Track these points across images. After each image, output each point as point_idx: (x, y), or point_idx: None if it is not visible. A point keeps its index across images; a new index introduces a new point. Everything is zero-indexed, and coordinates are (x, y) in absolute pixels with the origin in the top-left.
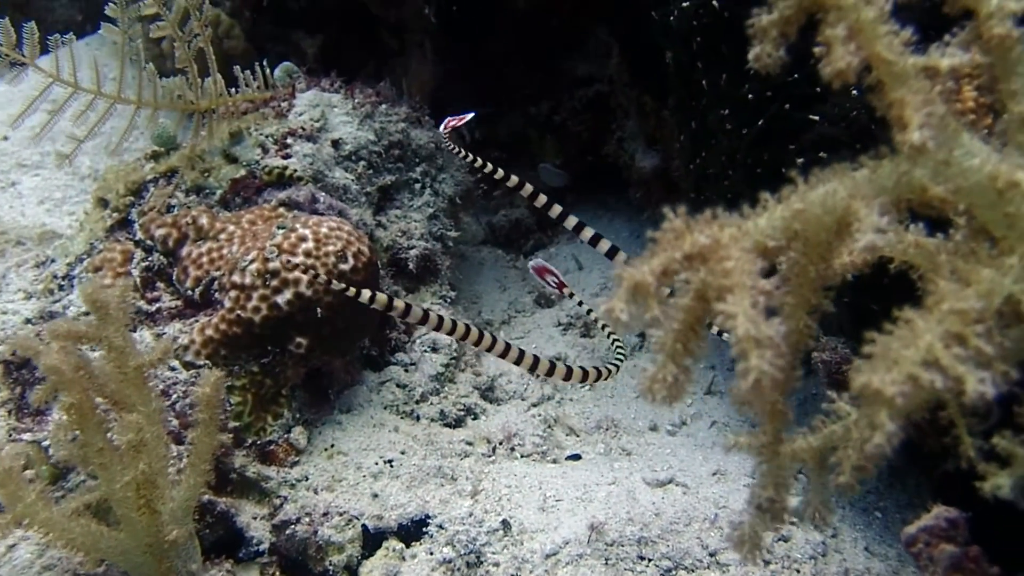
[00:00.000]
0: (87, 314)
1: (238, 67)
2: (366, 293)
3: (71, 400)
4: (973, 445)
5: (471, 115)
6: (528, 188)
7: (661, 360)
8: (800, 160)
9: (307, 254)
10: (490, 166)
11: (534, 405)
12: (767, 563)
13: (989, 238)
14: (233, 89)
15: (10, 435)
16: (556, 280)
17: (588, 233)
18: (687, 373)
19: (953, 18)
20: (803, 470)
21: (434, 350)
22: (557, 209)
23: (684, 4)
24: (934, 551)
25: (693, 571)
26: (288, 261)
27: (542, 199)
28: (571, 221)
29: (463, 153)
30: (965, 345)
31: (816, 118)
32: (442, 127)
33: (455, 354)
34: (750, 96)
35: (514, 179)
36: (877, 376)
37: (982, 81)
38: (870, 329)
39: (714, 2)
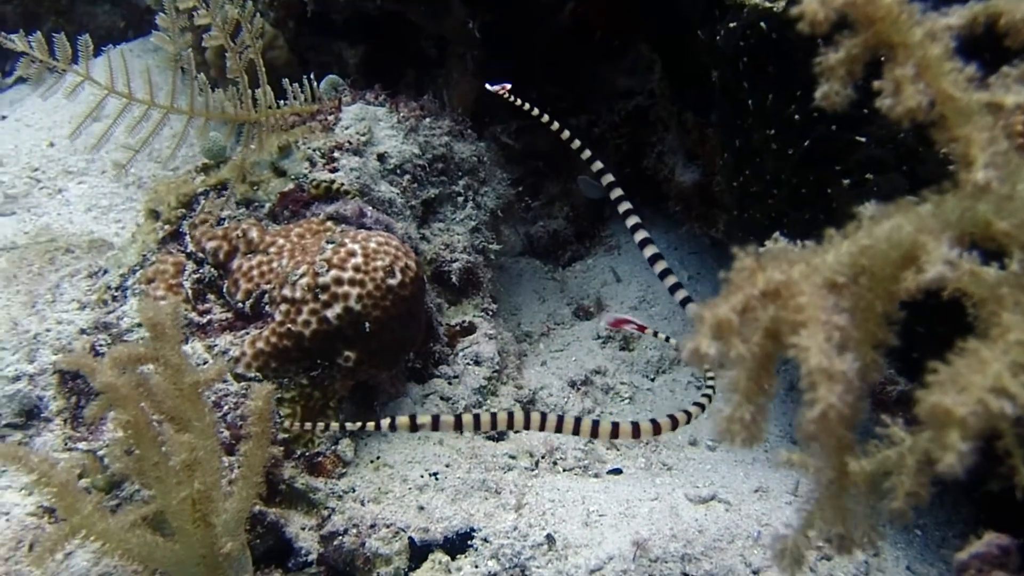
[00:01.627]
0: (140, 326)
1: (287, 80)
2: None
3: (127, 417)
4: None
5: (508, 85)
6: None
7: (737, 400)
8: (846, 182)
9: (356, 269)
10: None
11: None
12: None
13: None
14: (281, 101)
15: (65, 444)
16: (635, 324)
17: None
18: (763, 412)
19: (1014, 51)
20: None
21: (477, 363)
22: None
23: (731, 24)
24: None
25: None
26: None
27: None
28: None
29: (521, 102)
30: None
31: (863, 139)
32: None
33: (497, 367)
34: (796, 117)
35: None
36: (948, 398)
37: None
38: (925, 354)
39: (762, 24)
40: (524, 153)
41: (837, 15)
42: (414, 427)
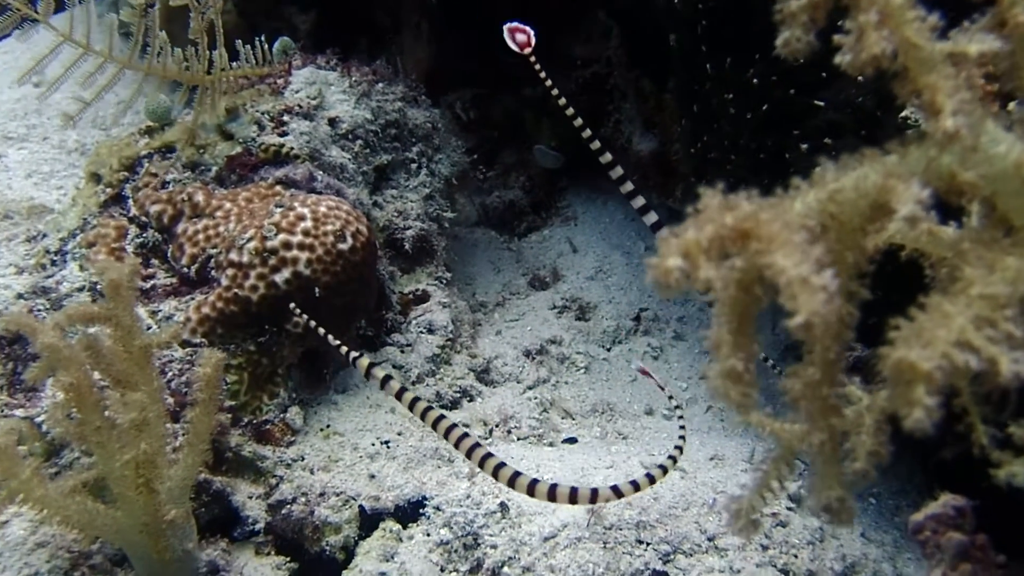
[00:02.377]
0: (82, 290)
1: (240, 41)
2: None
3: (69, 379)
4: (986, 433)
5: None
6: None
7: (724, 351)
8: (804, 146)
9: (306, 233)
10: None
11: (530, 388)
12: (765, 548)
13: (1007, 227)
14: (234, 64)
15: (2, 411)
16: (656, 381)
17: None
18: (752, 366)
19: (975, 4)
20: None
21: (430, 331)
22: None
23: None
24: (941, 539)
25: (691, 555)
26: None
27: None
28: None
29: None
30: (995, 328)
31: (821, 104)
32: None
33: (451, 336)
34: (755, 81)
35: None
36: (913, 352)
37: (991, 68)
38: (881, 319)
39: None
40: (479, 122)
41: None
42: (368, 373)
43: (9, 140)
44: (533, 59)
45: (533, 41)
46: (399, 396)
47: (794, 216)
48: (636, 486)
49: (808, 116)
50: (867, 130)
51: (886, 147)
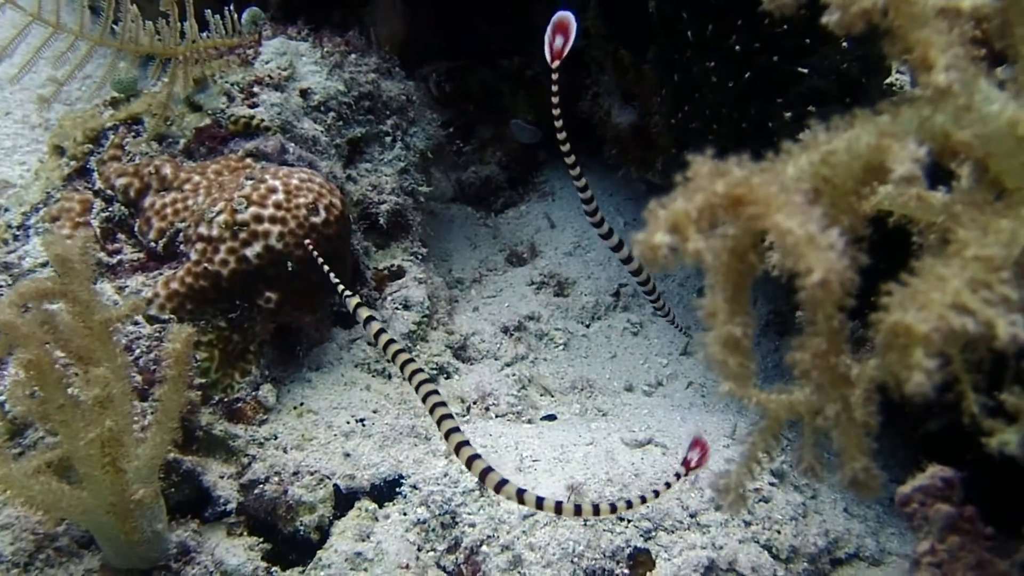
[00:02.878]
0: (45, 265)
1: (209, 11)
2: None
3: (29, 356)
4: (977, 401)
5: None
6: None
7: (720, 319)
8: (788, 114)
9: (277, 206)
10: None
11: (508, 364)
12: (748, 524)
13: (999, 190)
14: (204, 34)
15: None
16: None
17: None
18: (748, 336)
19: None
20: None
21: (406, 308)
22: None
23: None
24: (929, 511)
25: (673, 532)
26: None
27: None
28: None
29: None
30: (991, 291)
31: (805, 71)
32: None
33: (427, 312)
34: (737, 48)
35: None
36: (909, 315)
37: (984, 26)
38: (870, 289)
39: None
40: (455, 96)
41: None
42: (355, 313)
43: None
44: (556, 76)
45: (566, 52)
46: (385, 347)
47: (788, 179)
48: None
49: (792, 83)
50: (852, 97)
51: (877, 108)
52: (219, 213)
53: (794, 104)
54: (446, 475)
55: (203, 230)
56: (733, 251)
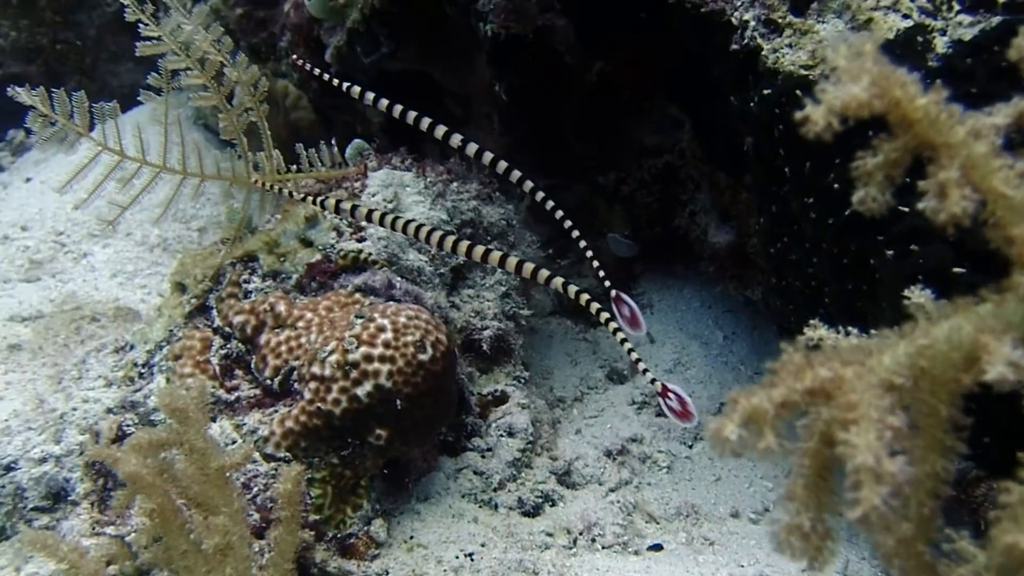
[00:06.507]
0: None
1: (312, 149)
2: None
3: (152, 505)
4: None
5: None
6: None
7: (794, 508)
8: (889, 252)
9: (386, 345)
10: None
11: (612, 490)
12: None
13: None
14: (303, 166)
15: (93, 528)
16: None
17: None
18: (823, 524)
19: None
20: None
21: (510, 435)
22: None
23: (765, 92)
24: None
25: None
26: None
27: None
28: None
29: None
30: None
31: (906, 209)
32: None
33: (531, 438)
34: (836, 186)
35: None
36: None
37: None
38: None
39: (797, 91)
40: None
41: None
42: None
43: (95, 237)
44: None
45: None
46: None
47: (879, 376)
48: None
49: (892, 221)
50: (956, 238)
51: (980, 294)
52: (331, 353)
53: (896, 242)
54: None
55: (316, 369)
56: (822, 435)
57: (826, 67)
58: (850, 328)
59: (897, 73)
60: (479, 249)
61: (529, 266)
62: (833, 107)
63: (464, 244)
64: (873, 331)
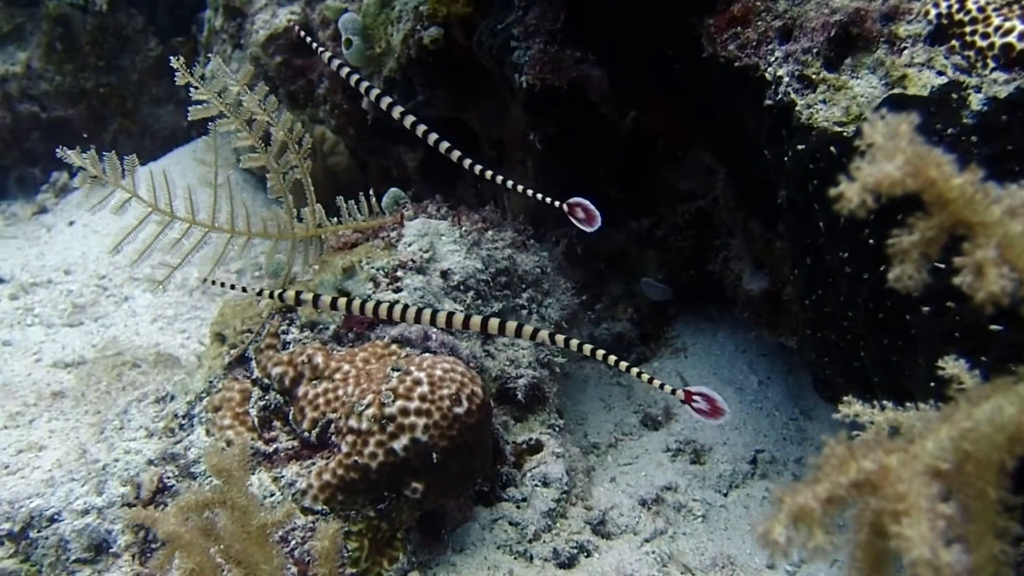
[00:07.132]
0: None
1: (341, 190)
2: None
3: (191, 564)
4: None
5: None
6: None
7: None
8: (926, 309)
9: (422, 398)
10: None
11: (647, 540)
12: None
13: None
14: (339, 218)
15: None
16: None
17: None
18: None
19: None
20: None
21: (545, 484)
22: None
23: (799, 147)
24: None
25: None
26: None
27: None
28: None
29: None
30: None
31: (942, 266)
32: None
33: (566, 488)
34: (871, 241)
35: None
36: None
37: None
38: None
39: (832, 148)
40: (586, 256)
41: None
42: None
43: (136, 282)
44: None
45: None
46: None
47: (924, 463)
48: None
49: (929, 279)
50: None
51: (1019, 371)
52: (368, 406)
53: (933, 299)
54: None
55: (353, 423)
56: (872, 526)
57: (862, 142)
58: (885, 402)
59: (932, 153)
60: (476, 319)
61: (543, 333)
62: (867, 184)
63: (459, 317)
64: (908, 403)
